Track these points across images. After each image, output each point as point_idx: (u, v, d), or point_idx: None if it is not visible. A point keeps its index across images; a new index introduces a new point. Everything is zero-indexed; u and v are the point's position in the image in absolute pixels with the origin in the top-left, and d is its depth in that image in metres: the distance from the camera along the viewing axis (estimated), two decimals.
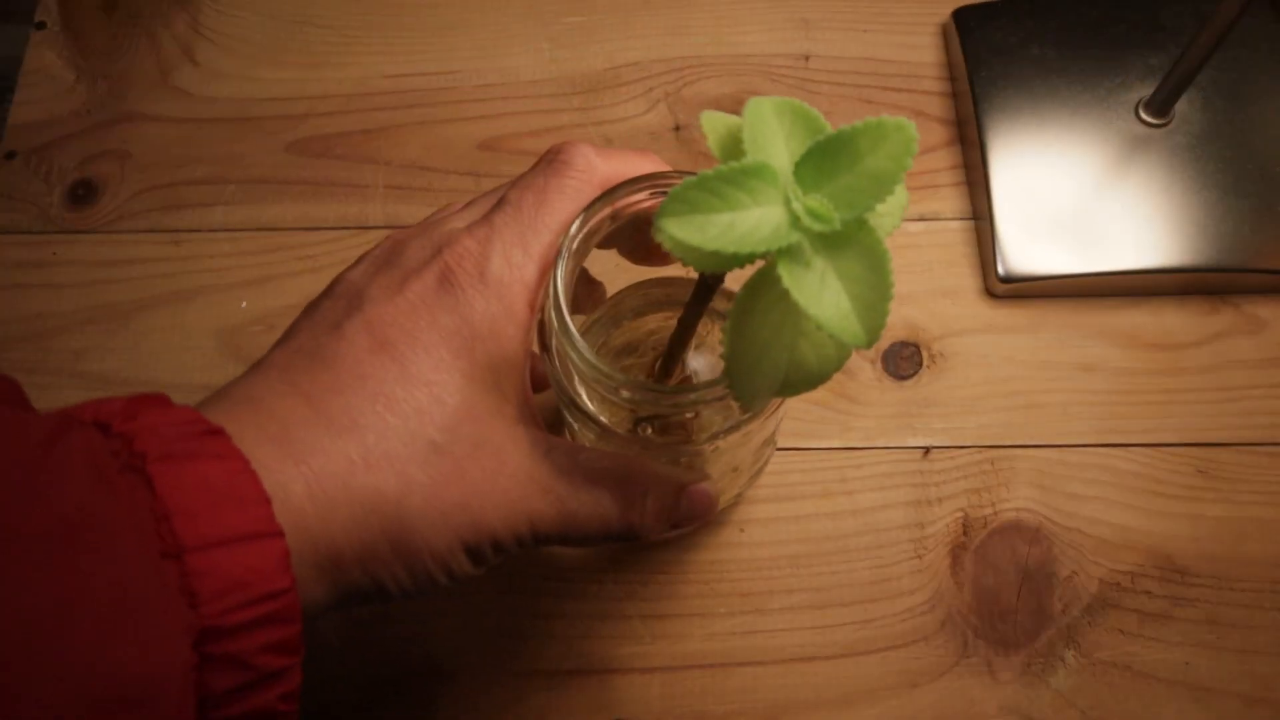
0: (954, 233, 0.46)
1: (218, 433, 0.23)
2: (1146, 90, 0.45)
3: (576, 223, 0.28)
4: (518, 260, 0.27)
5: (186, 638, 0.21)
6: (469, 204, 0.31)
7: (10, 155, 0.47)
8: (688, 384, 0.32)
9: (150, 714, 0.20)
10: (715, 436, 0.30)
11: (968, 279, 0.45)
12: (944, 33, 0.50)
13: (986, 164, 0.45)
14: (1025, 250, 0.43)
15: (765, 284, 0.23)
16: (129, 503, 0.21)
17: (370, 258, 0.29)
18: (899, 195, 0.24)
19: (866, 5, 0.51)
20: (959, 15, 0.49)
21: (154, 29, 0.50)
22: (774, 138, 0.23)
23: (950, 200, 0.46)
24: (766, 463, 0.39)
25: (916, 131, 0.22)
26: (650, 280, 0.36)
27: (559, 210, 0.28)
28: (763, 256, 0.22)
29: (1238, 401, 0.42)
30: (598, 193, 0.28)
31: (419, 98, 0.49)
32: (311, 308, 0.28)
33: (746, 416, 0.29)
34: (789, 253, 0.22)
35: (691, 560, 0.40)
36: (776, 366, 0.24)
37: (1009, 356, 0.43)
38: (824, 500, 0.41)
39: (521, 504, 0.26)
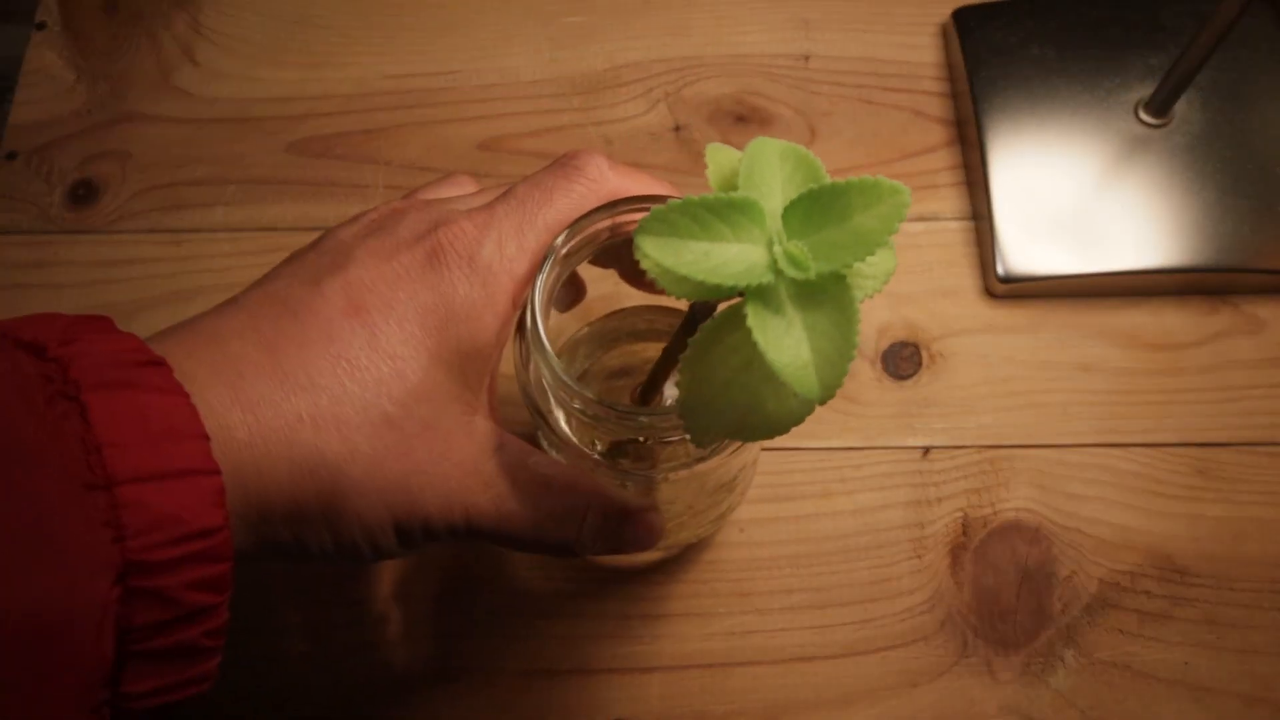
0: (954, 233, 0.46)
1: (159, 364, 0.23)
2: (1146, 90, 0.45)
3: (566, 231, 0.28)
4: (510, 252, 0.27)
5: (108, 571, 0.20)
6: (481, 190, 0.30)
7: (11, 155, 0.47)
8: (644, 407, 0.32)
9: (63, 645, 0.20)
10: (670, 469, 0.30)
11: (967, 279, 0.45)
12: (944, 33, 0.50)
13: (986, 164, 0.45)
14: (1025, 250, 0.44)
15: (734, 322, 0.23)
16: (56, 430, 0.21)
17: (365, 220, 0.29)
18: (885, 260, 0.24)
19: (866, 5, 0.51)
20: (959, 15, 0.49)
21: (154, 29, 0.50)
22: (771, 179, 0.23)
23: (950, 200, 0.46)
24: (730, 509, 0.39)
25: (910, 198, 0.22)
26: (655, 307, 0.36)
27: (562, 212, 0.28)
28: (734, 293, 0.22)
29: (1237, 401, 0.42)
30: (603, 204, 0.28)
31: (419, 98, 0.49)
32: (295, 256, 0.28)
33: (700, 454, 0.29)
34: (760, 294, 0.22)
35: (691, 560, 0.40)
36: (733, 407, 0.24)
37: (1009, 356, 0.43)
38: (824, 500, 0.41)
39: (461, 494, 0.26)
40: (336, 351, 0.25)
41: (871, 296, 0.24)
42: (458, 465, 0.26)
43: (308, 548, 0.25)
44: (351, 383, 0.25)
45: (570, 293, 0.34)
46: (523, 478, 0.27)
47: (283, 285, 0.27)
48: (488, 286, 0.27)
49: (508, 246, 0.27)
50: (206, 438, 0.22)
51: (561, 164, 0.29)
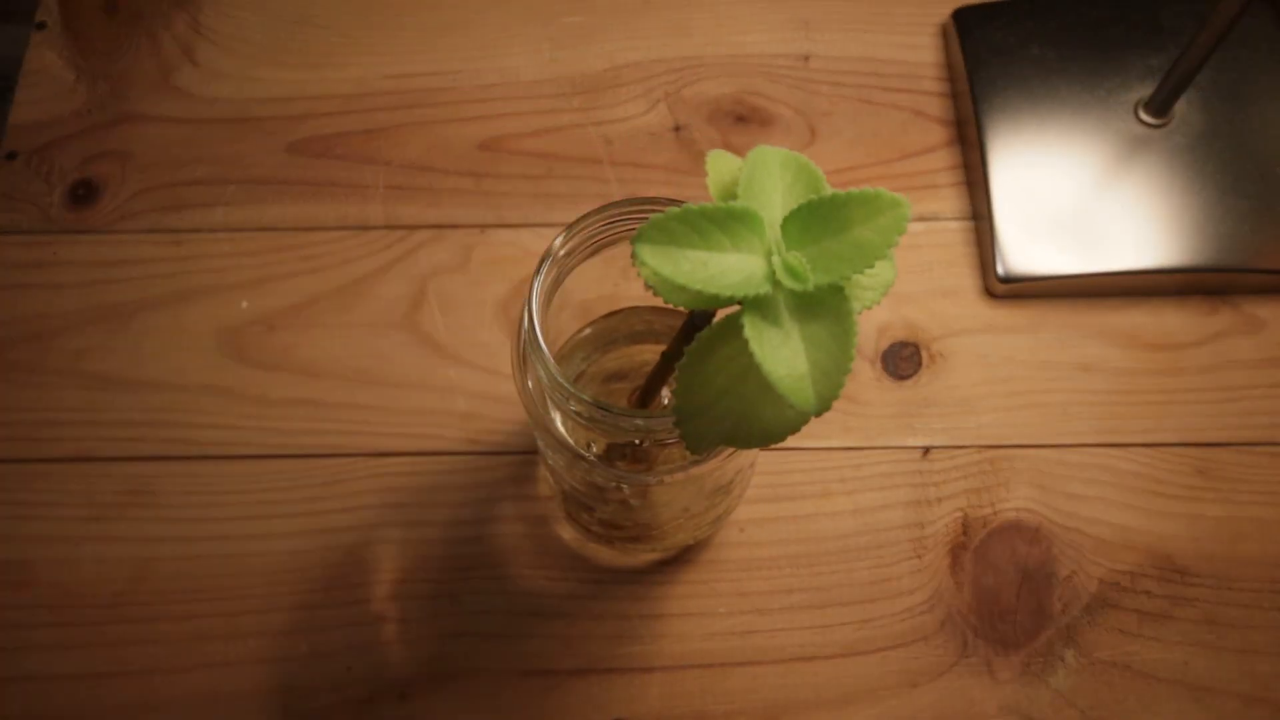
0: (954, 233, 0.46)
1: None
2: (1146, 90, 0.46)
3: (564, 232, 0.28)
4: None
5: None
6: None
7: (11, 155, 0.47)
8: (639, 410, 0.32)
9: None
10: (666, 472, 0.31)
11: (967, 279, 0.45)
12: (944, 33, 0.50)
13: (986, 164, 0.45)
14: (1025, 250, 0.44)
15: (731, 331, 0.23)
16: None
17: None
18: (885, 272, 0.24)
19: (866, 5, 0.51)
20: (959, 16, 0.49)
21: (154, 29, 0.50)
22: (771, 189, 0.23)
23: (950, 200, 0.46)
24: (728, 512, 0.39)
25: (910, 211, 0.22)
26: (655, 307, 0.36)
27: None
28: (732, 302, 0.22)
29: (1237, 401, 0.42)
30: None
31: (419, 98, 0.49)
32: None
33: (696, 458, 0.29)
34: (758, 304, 0.22)
35: (691, 560, 0.40)
36: (728, 414, 0.24)
37: (1009, 356, 0.43)
38: (824, 500, 0.41)
39: None
40: None
41: (870, 308, 0.24)
42: None
43: None
44: None
45: None
46: None
47: None
48: None
49: None
50: None
51: None
